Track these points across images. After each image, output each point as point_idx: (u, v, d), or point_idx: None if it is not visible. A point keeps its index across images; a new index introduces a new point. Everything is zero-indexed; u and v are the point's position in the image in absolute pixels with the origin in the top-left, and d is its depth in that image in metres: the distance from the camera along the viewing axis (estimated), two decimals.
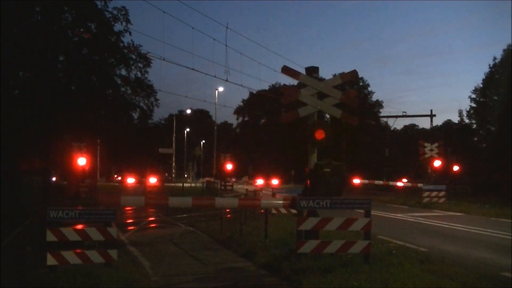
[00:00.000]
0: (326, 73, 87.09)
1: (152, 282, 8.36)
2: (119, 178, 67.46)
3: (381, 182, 33.05)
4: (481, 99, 46.87)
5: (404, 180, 33.91)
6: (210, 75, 25.80)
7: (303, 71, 10.01)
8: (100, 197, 11.29)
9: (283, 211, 13.66)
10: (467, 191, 33.18)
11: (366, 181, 31.26)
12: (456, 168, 33.93)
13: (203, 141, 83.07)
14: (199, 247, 12.09)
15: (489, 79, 45.20)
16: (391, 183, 32.59)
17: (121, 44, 30.43)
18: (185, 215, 19.06)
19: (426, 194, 25.90)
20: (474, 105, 47.94)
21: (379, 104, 71.35)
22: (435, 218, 18.93)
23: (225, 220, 15.05)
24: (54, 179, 31.68)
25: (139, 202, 10.49)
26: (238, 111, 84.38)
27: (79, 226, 8.98)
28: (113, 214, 8.52)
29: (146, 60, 31.78)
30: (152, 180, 33.99)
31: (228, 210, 16.75)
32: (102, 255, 8.29)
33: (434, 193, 25.82)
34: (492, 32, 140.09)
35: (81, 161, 30.50)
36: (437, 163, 28.96)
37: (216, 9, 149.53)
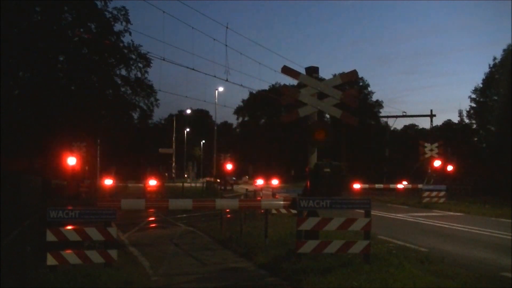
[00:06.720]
0: (326, 73, 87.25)
1: (152, 282, 8.36)
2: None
3: (381, 186, 33.03)
4: (481, 99, 46.84)
5: (405, 182, 33.92)
6: (210, 75, 25.73)
7: (303, 71, 10.00)
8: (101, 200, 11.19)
9: (283, 211, 13.67)
10: (467, 191, 33.14)
11: (367, 186, 31.26)
12: (450, 168, 33.70)
13: (203, 141, 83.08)
14: (199, 247, 12.08)
15: (489, 79, 45.17)
16: (391, 186, 32.63)
17: (121, 44, 30.43)
18: (185, 215, 19.03)
19: (426, 194, 25.92)
20: (474, 105, 47.93)
21: (379, 104, 71.55)
22: (435, 218, 18.93)
23: (225, 220, 15.04)
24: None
25: (139, 205, 10.48)
26: (238, 111, 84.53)
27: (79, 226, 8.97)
28: (113, 214, 8.51)
29: (146, 60, 31.75)
30: (152, 182, 33.80)
31: (228, 210, 16.75)
32: (102, 255, 8.29)
33: (434, 193, 25.84)
34: (492, 32, 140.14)
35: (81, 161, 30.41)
36: (437, 163, 28.96)
37: (216, 9, 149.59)
